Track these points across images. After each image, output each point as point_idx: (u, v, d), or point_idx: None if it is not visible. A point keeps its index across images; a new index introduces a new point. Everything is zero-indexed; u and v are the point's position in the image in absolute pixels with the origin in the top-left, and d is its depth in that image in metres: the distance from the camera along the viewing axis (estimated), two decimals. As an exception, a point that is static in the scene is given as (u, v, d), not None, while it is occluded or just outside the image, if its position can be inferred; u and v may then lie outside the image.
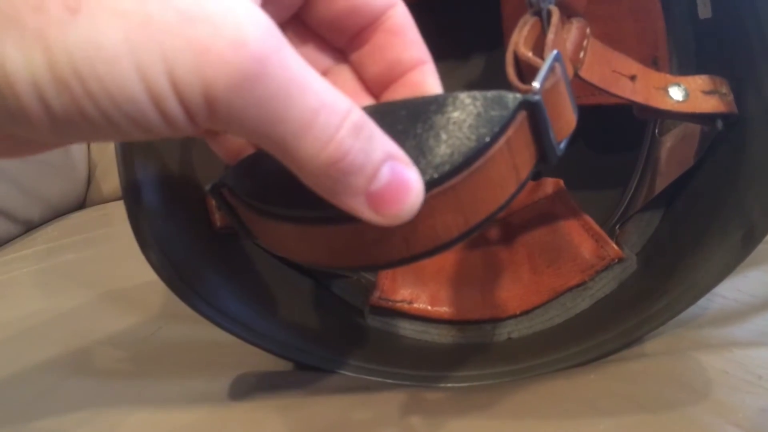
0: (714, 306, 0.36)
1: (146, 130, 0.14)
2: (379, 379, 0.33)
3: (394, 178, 0.16)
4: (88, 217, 0.71)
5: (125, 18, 0.13)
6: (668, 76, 0.32)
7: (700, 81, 0.31)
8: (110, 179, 0.78)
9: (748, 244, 0.29)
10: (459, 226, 0.18)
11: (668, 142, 0.37)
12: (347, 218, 0.17)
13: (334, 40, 0.22)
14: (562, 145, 0.20)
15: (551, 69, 0.19)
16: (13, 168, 0.65)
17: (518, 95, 0.18)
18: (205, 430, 0.30)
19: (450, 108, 0.18)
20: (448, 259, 0.40)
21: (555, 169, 0.46)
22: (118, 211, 0.70)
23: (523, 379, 0.32)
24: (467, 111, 0.18)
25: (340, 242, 0.18)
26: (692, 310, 0.35)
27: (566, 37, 0.27)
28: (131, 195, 0.29)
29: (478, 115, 0.18)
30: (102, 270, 0.52)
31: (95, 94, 0.13)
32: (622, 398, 0.29)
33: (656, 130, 0.39)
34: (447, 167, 0.17)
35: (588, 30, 0.29)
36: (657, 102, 0.31)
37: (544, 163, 0.19)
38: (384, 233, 0.17)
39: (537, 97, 0.18)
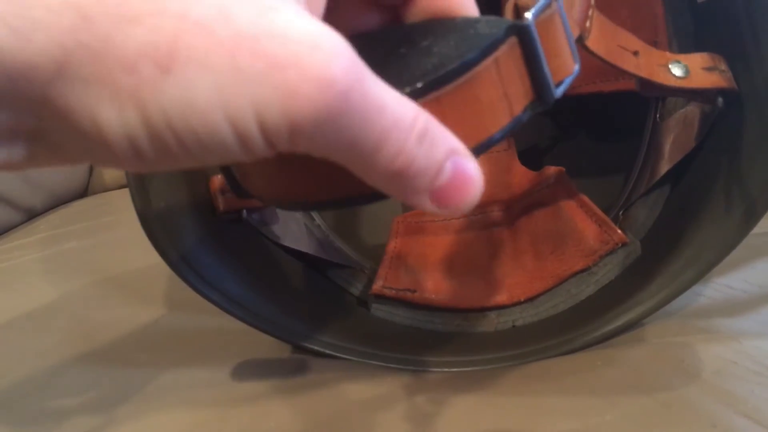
0: (721, 296, 0.36)
1: (224, 160, 0.15)
2: (382, 364, 0.33)
3: (456, 173, 0.16)
4: (90, 205, 0.71)
5: (216, 73, 0.13)
6: (668, 54, 0.32)
7: (700, 58, 0.32)
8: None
9: (750, 219, 0.30)
10: None
11: (670, 126, 0.37)
12: None
13: None
14: (560, 89, 0.20)
15: (548, 3, 0.19)
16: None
17: (511, 20, 0.18)
18: (210, 420, 0.30)
19: (447, 29, 0.18)
20: (450, 248, 0.40)
21: (557, 158, 0.46)
22: (120, 199, 0.70)
23: (527, 364, 0.32)
24: (461, 31, 0.18)
25: (321, 169, 0.18)
26: (699, 299, 0.35)
27: (573, 2, 0.27)
28: (137, 182, 0.29)
29: (471, 35, 0.18)
30: (104, 257, 0.52)
31: (187, 143, 0.14)
32: (628, 387, 0.29)
33: (657, 115, 0.38)
34: (430, 77, 0.17)
35: (593, 0, 0.29)
36: (660, 78, 0.31)
37: (541, 104, 0.19)
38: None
39: (528, 22, 0.18)
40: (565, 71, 0.20)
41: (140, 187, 0.29)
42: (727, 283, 0.37)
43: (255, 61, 0.13)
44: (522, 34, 0.18)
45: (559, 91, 0.19)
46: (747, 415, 0.26)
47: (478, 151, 0.18)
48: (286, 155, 0.17)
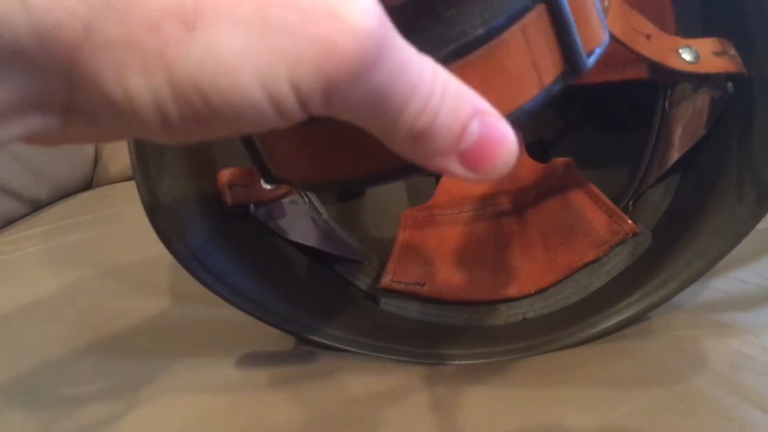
0: (735, 290, 0.35)
1: (256, 126, 0.14)
2: (390, 357, 0.32)
3: (484, 134, 0.15)
4: (95, 197, 0.70)
5: (245, 27, 0.13)
6: (678, 39, 0.32)
7: (710, 43, 0.32)
8: (117, 160, 0.78)
9: (762, 206, 0.30)
10: None
11: (679, 114, 0.37)
12: None
13: None
14: (592, 59, 0.19)
15: None
16: (21, 148, 0.65)
17: None
18: (216, 412, 0.29)
19: None
20: (459, 241, 0.39)
21: (564, 151, 0.45)
22: (124, 191, 0.69)
23: (538, 356, 0.32)
24: (486, 0, 0.17)
25: (350, 144, 0.17)
26: (713, 293, 0.35)
27: None
28: (144, 176, 0.28)
29: (496, 3, 0.17)
30: (109, 249, 0.51)
31: (215, 105, 0.13)
32: (642, 379, 0.28)
33: (666, 104, 0.38)
34: (454, 45, 0.16)
35: None
36: (671, 62, 0.30)
37: (572, 75, 0.18)
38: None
39: None
40: (595, 40, 0.19)
41: (147, 182, 0.29)
42: (741, 276, 0.36)
43: (287, 13, 0.13)
44: (551, 0, 0.17)
45: (590, 61, 0.19)
46: (764, 408, 0.26)
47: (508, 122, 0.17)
48: (315, 129, 0.16)
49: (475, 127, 0.15)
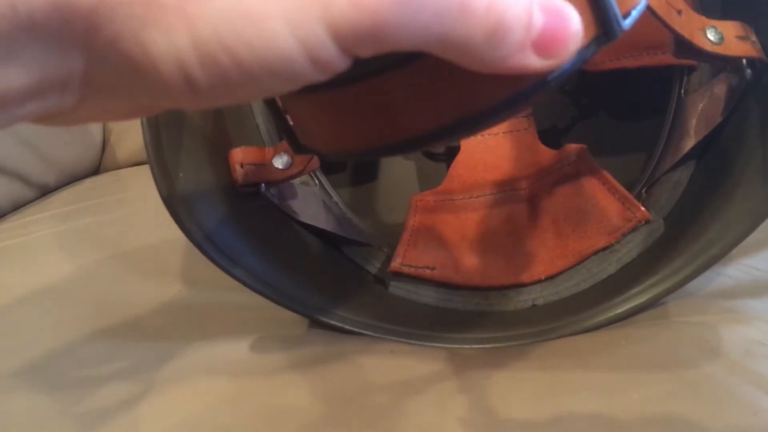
0: (748, 278, 0.35)
1: (289, 82, 0.13)
2: (401, 340, 0.32)
3: (547, 12, 0.15)
4: (103, 182, 0.70)
5: None
6: (704, 18, 0.31)
7: (733, 26, 0.31)
8: (125, 145, 0.77)
9: None
10: (502, 89, 0.17)
11: (695, 101, 0.37)
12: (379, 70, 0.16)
13: None
14: (629, 21, 0.18)
15: None
16: (29, 133, 0.65)
17: None
18: (232, 395, 0.29)
19: None
20: (470, 226, 0.39)
21: (578, 138, 0.45)
22: (132, 176, 0.69)
23: (549, 342, 0.32)
24: None
25: (382, 107, 0.17)
26: (725, 280, 0.34)
27: None
28: (158, 160, 0.28)
29: None
30: (118, 233, 0.51)
31: (244, 62, 0.12)
32: (653, 366, 0.28)
33: (682, 91, 0.38)
34: None
35: None
36: (697, 41, 0.30)
37: (607, 38, 0.17)
38: (414, 91, 0.16)
39: None
40: (632, 1, 0.18)
41: (161, 163, 0.29)
42: (753, 264, 0.36)
43: None
44: None
45: (627, 24, 0.18)
46: (778, 395, 0.26)
47: (540, 86, 0.17)
48: (341, 93, 0.16)
49: (536, 9, 0.14)
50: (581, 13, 0.17)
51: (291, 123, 0.21)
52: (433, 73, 0.16)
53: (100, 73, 0.13)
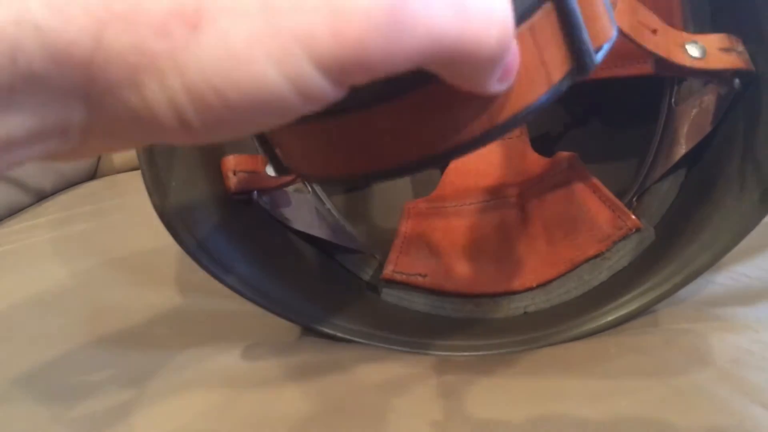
0: (737, 285, 0.35)
1: (281, 116, 0.14)
2: (393, 347, 0.33)
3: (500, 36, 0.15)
4: (100, 187, 0.71)
5: (248, 16, 0.12)
6: (685, 34, 0.31)
7: (717, 39, 0.32)
8: (121, 150, 0.77)
9: (766, 201, 0.30)
10: (482, 122, 0.17)
11: (685, 110, 0.37)
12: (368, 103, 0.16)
13: None
14: (600, 55, 0.19)
15: None
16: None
17: None
18: (222, 403, 0.30)
19: None
20: (462, 233, 0.39)
21: (569, 145, 0.45)
22: (129, 181, 0.70)
23: (539, 349, 0.32)
24: None
25: (364, 137, 0.17)
26: (715, 287, 0.35)
27: None
28: (151, 171, 0.29)
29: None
30: (114, 239, 0.52)
31: (233, 102, 0.13)
32: (642, 373, 0.28)
33: (672, 100, 0.38)
34: None
35: None
36: (677, 58, 0.30)
37: (580, 72, 0.18)
38: (400, 124, 0.17)
39: None
40: (603, 36, 0.19)
41: (154, 171, 0.29)
42: (743, 271, 0.36)
43: None
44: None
45: (599, 58, 0.18)
46: (764, 404, 0.26)
47: (516, 120, 0.17)
48: (325, 124, 0.16)
49: (494, 33, 0.14)
50: (557, 49, 0.18)
51: (274, 146, 0.21)
52: (420, 106, 0.17)
53: (99, 118, 0.13)
